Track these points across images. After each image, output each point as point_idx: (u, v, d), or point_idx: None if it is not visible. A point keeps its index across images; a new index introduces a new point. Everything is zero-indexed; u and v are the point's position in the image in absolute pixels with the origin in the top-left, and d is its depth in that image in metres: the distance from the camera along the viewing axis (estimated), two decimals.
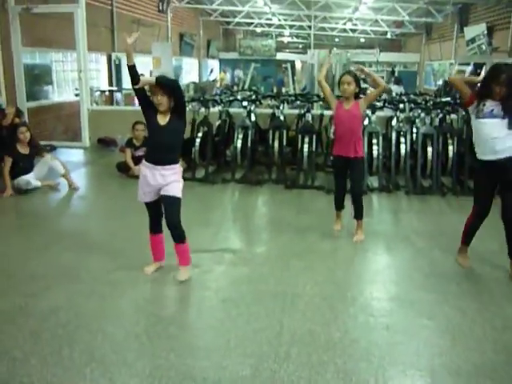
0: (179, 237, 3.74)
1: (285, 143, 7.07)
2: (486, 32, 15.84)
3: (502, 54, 14.87)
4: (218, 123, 7.55)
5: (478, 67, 14.42)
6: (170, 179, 3.65)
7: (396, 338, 3.07)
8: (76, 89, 9.57)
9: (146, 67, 16.40)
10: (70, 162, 7.78)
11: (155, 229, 3.89)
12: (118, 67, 15.41)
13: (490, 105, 3.77)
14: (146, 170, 3.70)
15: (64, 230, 4.99)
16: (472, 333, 3.13)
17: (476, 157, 3.98)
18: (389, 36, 27.43)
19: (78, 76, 9.35)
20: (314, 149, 6.90)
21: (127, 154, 7.04)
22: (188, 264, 3.86)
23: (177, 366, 2.73)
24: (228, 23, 27.24)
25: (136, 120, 7.03)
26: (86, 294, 3.53)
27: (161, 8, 17.85)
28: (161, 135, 3.64)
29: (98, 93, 12.82)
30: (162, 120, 3.63)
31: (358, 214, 4.80)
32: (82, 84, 9.23)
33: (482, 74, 14.24)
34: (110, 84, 14.91)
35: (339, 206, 4.99)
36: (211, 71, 24.07)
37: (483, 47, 16.05)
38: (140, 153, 7.06)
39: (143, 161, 3.78)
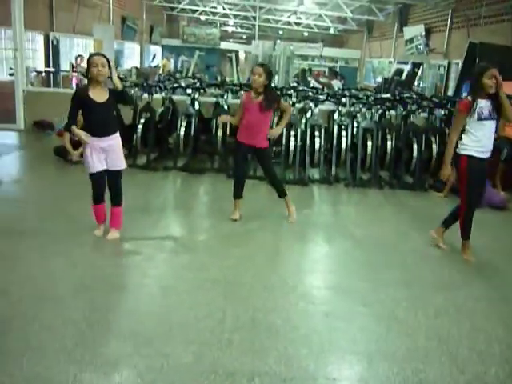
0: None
1: (228, 132, 7.07)
2: (423, 33, 16.43)
3: (438, 55, 15.48)
4: (160, 110, 7.43)
5: (415, 67, 14.92)
6: None
7: (334, 324, 3.16)
8: (11, 68, 9.11)
9: (86, 49, 15.90)
10: (4, 144, 7.45)
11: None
12: (56, 48, 14.84)
13: (485, 105, 4.08)
14: None
15: None
16: (406, 320, 3.27)
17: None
18: (332, 31, 27.89)
19: (13, 55, 8.91)
20: None
21: (65, 138, 6.78)
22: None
23: (118, 353, 2.69)
24: (172, 9, 26.77)
25: None
26: (21, 280, 3.40)
27: None
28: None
29: (35, 73, 12.30)
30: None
31: (281, 194, 4.97)
32: (18, 63, 8.80)
33: (419, 72, 14.76)
34: (47, 65, 14.34)
35: (239, 194, 4.96)
36: (154, 57, 23.63)
37: (421, 48, 16.66)
38: None
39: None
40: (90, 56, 4.05)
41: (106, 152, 4.11)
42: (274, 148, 7.60)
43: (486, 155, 4.18)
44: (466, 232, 4.35)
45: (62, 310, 3.07)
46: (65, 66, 14.71)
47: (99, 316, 3.04)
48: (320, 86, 10.47)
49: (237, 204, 5.00)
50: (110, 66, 3.99)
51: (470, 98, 4.14)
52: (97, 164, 4.10)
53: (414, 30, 17.12)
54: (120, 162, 4.21)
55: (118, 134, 4.17)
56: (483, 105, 4.08)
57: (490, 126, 4.13)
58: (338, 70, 22.05)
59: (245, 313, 3.19)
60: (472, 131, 4.13)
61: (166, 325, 2.99)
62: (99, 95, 3.98)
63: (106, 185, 4.22)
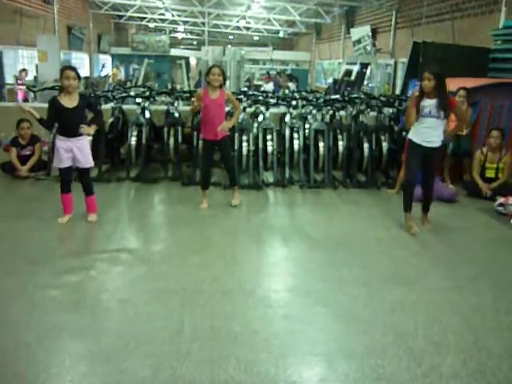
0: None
1: (180, 140, 7.02)
2: (370, 34, 16.80)
3: (385, 55, 15.85)
4: (110, 120, 7.30)
5: (364, 67, 15.23)
6: None
7: (294, 327, 3.16)
8: None
9: (31, 61, 15.50)
10: None
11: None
12: None
13: (428, 105, 4.66)
14: None
15: None
16: (363, 317, 3.31)
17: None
18: (281, 35, 28.18)
19: None
20: None
21: (12, 154, 6.61)
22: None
23: (72, 373, 2.61)
24: (119, 17, 26.46)
25: (20, 118, 6.60)
26: None
27: None
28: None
29: None
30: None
31: (234, 182, 5.75)
32: None
33: (368, 72, 15.07)
34: None
35: (207, 185, 5.74)
36: (103, 66, 23.29)
37: (368, 48, 17.02)
38: (27, 152, 6.68)
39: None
40: (63, 69, 4.64)
41: (74, 152, 4.71)
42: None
43: (428, 145, 4.77)
44: (404, 204, 5.02)
45: (14, 332, 2.97)
46: (10, 78, 14.28)
47: (53, 336, 2.94)
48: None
49: (204, 195, 5.66)
50: (79, 79, 4.69)
51: (418, 94, 4.71)
52: (64, 161, 4.72)
53: (361, 31, 17.48)
54: (88, 161, 4.85)
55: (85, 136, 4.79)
56: (426, 104, 4.68)
57: (431, 122, 4.71)
58: (289, 72, 22.29)
59: (203, 321, 3.16)
60: (416, 122, 4.81)
61: (123, 339, 2.93)
62: (69, 101, 4.63)
63: (77, 178, 4.97)
